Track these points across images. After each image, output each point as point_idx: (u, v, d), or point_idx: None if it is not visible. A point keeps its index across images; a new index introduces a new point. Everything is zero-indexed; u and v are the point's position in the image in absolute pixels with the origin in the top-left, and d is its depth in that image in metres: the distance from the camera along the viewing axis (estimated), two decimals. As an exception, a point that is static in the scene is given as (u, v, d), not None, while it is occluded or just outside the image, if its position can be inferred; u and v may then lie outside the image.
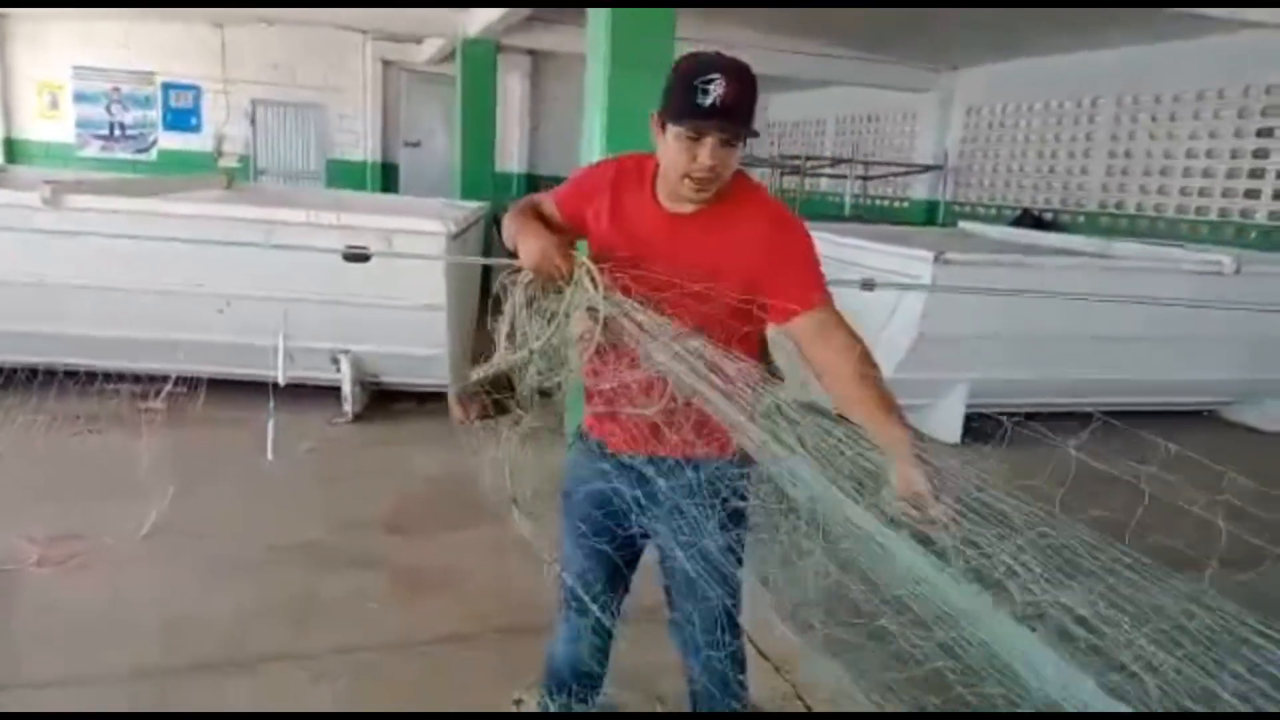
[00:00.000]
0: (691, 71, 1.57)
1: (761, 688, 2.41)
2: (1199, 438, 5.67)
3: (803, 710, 2.49)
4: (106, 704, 2.35)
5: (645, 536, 1.88)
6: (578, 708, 1.91)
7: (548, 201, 1.87)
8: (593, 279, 1.64)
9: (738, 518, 1.69)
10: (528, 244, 1.70)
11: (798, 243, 1.70)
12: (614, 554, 1.88)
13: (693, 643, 1.86)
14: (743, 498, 1.67)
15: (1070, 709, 1.00)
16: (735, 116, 1.57)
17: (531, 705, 1.95)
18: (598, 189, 1.78)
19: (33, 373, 4.65)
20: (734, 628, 1.85)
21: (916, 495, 1.34)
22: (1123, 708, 0.96)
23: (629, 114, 3.97)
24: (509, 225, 1.81)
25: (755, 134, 1.63)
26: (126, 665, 2.52)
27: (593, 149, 4.26)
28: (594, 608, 1.89)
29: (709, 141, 1.57)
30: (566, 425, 2.02)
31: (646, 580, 1.98)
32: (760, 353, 1.77)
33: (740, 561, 1.73)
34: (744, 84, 1.57)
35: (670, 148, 1.62)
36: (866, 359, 1.58)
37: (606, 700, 1.97)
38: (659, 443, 1.71)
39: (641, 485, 1.78)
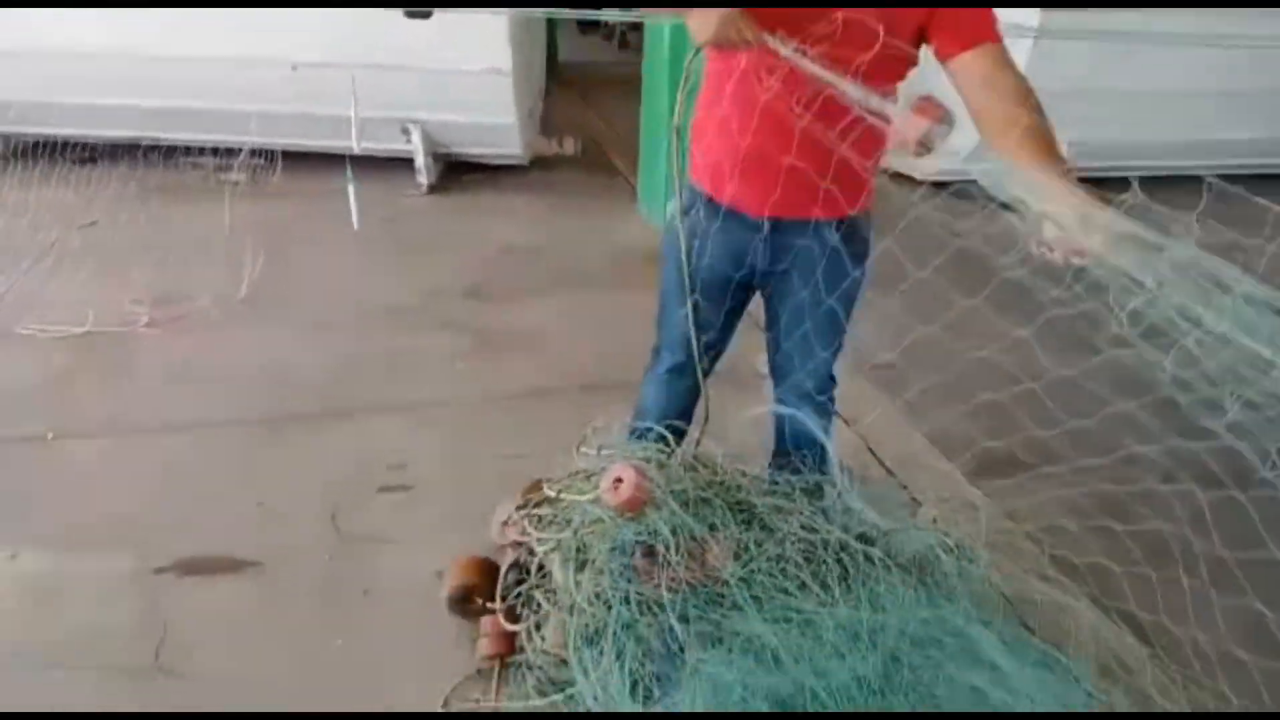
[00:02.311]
0: None
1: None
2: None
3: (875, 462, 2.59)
4: (218, 448, 2.59)
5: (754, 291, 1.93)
6: (657, 448, 2.01)
7: None
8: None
9: (860, 263, 1.79)
10: (699, 16, 1.50)
11: None
12: (732, 313, 1.93)
13: (794, 378, 1.93)
14: (865, 248, 1.77)
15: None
16: None
17: (611, 434, 2.05)
18: None
19: (115, 146, 4.75)
20: (832, 379, 1.95)
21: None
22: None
23: None
24: None
25: None
26: (236, 413, 2.75)
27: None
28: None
29: None
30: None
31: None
32: None
33: (850, 308, 1.85)
34: None
35: None
36: (1034, 110, 1.44)
37: (688, 448, 2.07)
38: (797, 205, 1.69)
39: (773, 243, 1.79)
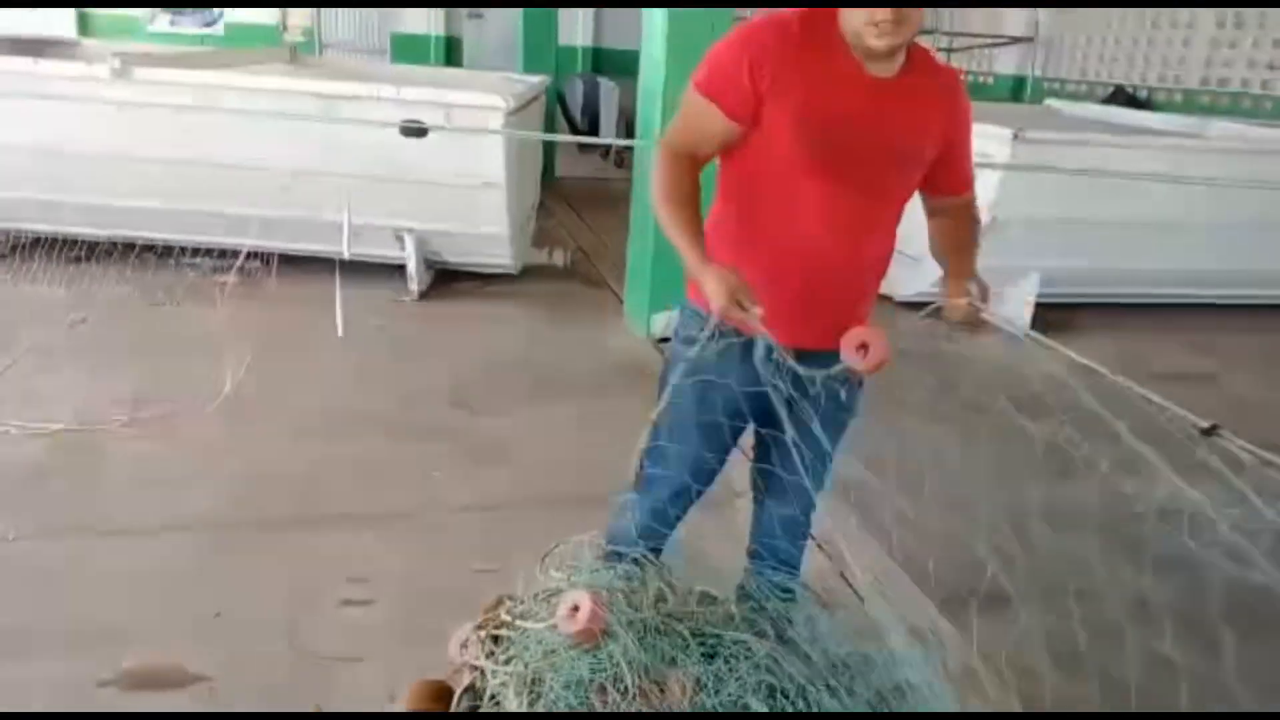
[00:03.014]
0: None
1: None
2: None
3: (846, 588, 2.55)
4: (181, 553, 2.54)
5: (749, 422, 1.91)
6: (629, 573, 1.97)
7: (693, 107, 1.63)
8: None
9: (859, 393, 1.84)
10: (713, 283, 1.51)
11: (969, 120, 1.76)
12: (729, 451, 1.90)
13: (781, 505, 1.94)
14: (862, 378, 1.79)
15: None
16: None
17: (581, 552, 2.01)
18: (766, 60, 1.56)
19: (111, 246, 4.84)
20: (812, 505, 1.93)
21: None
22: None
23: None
24: (667, 215, 1.61)
25: None
26: (203, 518, 2.71)
27: (655, 36, 4.10)
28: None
29: None
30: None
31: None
32: None
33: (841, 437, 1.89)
34: None
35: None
36: (971, 234, 1.82)
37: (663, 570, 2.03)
38: (822, 334, 1.65)
39: (792, 377, 1.71)
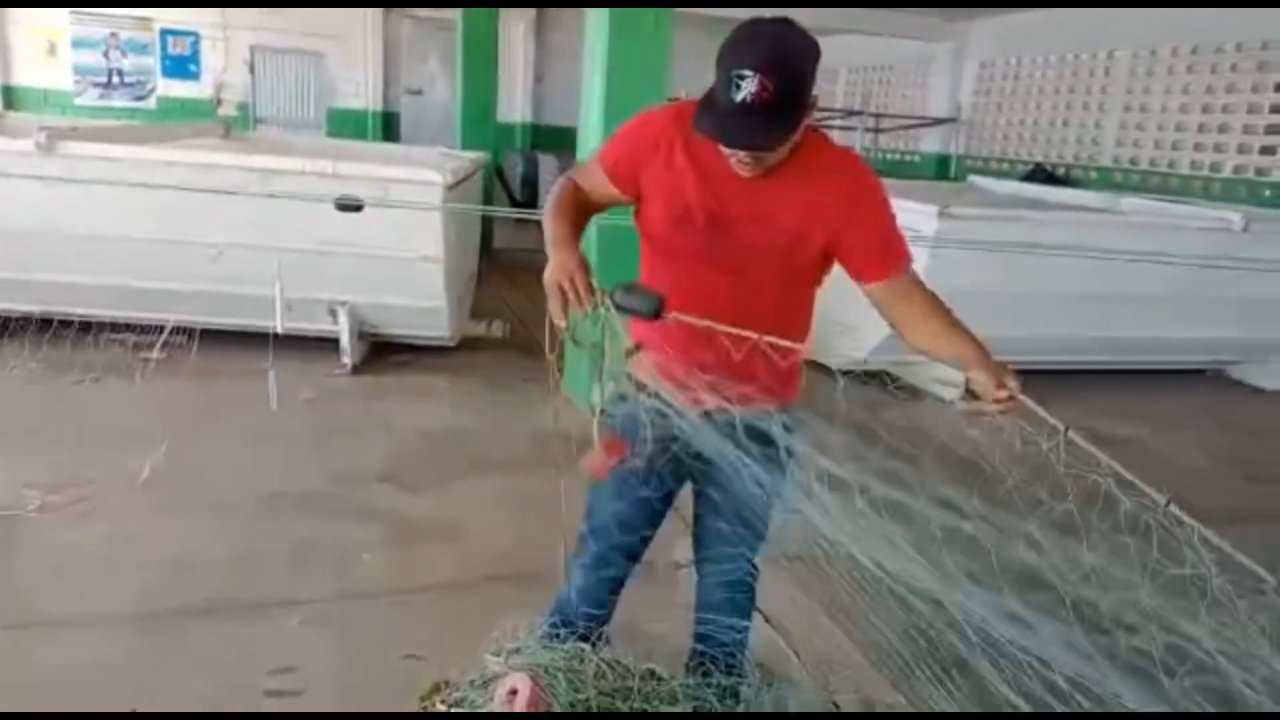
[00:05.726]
0: (732, 56, 1.49)
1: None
2: (1202, 396, 5.65)
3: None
4: (108, 645, 2.38)
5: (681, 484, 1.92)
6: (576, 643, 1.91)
7: (592, 167, 1.76)
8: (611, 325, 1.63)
9: (790, 454, 1.74)
10: (553, 259, 1.63)
11: (879, 204, 1.70)
12: (660, 504, 1.90)
13: (721, 567, 1.90)
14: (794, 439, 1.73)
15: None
16: (764, 121, 1.49)
17: (525, 640, 1.94)
18: (661, 142, 1.68)
19: (28, 321, 4.65)
20: (755, 568, 1.92)
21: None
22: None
23: (629, 77, 4.05)
24: (546, 220, 1.71)
25: (789, 135, 1.54)
26: (126, 607, 2.55)
27: (592, 109, 4.20)
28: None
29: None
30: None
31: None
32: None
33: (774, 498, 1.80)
34: (783, 78, 1.47)
35: None
36: (945, 315, 1.69)
37: (608, 649, 1.97)
38: (734, 397, 1.65)
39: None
